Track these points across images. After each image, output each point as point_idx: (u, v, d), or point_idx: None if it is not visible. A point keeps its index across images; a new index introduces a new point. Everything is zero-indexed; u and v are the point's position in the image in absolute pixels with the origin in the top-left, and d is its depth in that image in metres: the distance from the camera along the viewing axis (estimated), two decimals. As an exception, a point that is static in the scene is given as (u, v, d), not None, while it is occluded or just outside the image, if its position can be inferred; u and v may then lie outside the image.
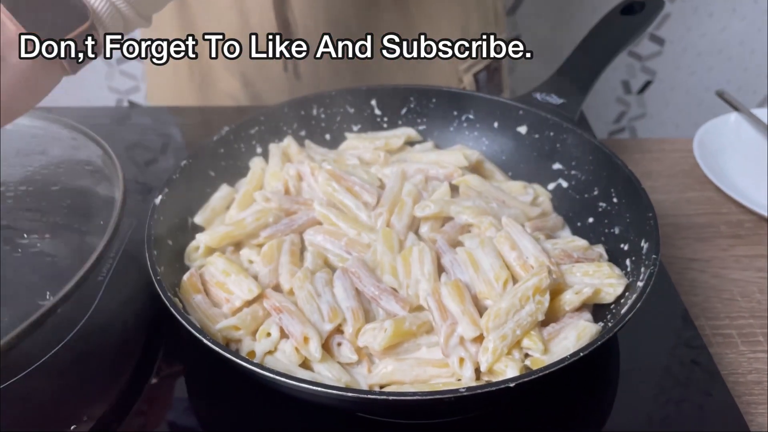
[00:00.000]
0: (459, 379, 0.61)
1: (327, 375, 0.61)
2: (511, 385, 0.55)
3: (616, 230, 0.76)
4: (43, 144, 0.77)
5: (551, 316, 0.68)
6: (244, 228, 0.75)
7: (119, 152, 0.73)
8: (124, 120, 1.14)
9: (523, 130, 0.89)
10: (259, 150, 0.88)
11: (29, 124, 0.75)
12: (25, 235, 0.74)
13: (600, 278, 0.71)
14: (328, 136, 0.96)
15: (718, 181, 0.99)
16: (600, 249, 0.77)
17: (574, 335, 0.65)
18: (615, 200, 0.78)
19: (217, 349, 0.58)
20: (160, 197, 0.72)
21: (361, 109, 0.96)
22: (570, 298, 0.69)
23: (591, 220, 0.81)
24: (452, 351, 0.63)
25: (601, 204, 0.80)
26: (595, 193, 0.81)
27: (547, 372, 0.56)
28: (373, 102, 0.96)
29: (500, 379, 0.61)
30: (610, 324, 0.66)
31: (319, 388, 0.54)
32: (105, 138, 0.74)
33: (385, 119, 0.97)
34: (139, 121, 1.12)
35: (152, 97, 1.17)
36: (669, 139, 1.15)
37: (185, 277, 0.68)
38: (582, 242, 0.74)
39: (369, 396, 0.54)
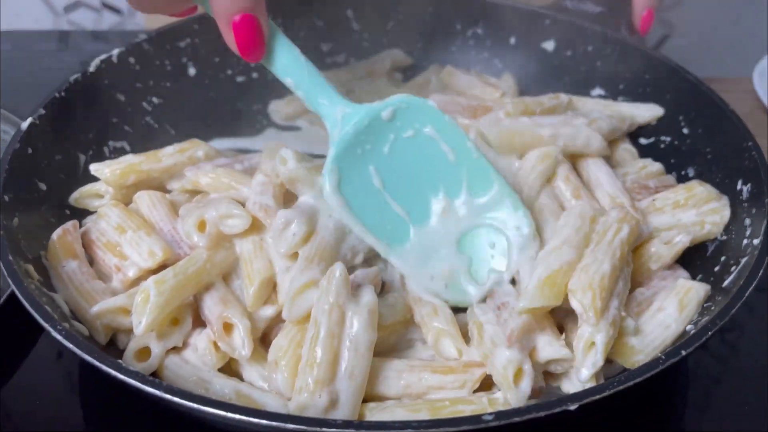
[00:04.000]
0: (475, 390, 0.41)
1: (262, 386, 0.38)
2: (571, 408, 0.31)
3: (690, 171, 0.60)
4: None
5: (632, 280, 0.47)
6: (158, 161, 0.51)
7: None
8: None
9: (549, 46, 0.72)
10: (192, 71, 0.66)
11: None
12: None
13: (697, 205, 0.51)
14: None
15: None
16: (670, 177, 0.59)
17: (675, 303, 0.45)
18: (686, 131, 0.62)
19: (69, 345, 0.35)
20: (29, 121, 0.52)
21: (334, 21, 0.74)
22: (658, 252, 0.48)
23: (649, 159, 0.63)
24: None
25: (663, 138, 0.64)
26: (655, 122, 0.64)
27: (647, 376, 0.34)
28: (350, 12, 0.73)
29: None
30: (716, 281, 0.45)
31: (234, 415, 0.31)
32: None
33: (365, 36, 0.75)
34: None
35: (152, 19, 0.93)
36: (718, 78, 0.97)
37: (55, 234, 0.48)
38: (656, 165, 0.59)
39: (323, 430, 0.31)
